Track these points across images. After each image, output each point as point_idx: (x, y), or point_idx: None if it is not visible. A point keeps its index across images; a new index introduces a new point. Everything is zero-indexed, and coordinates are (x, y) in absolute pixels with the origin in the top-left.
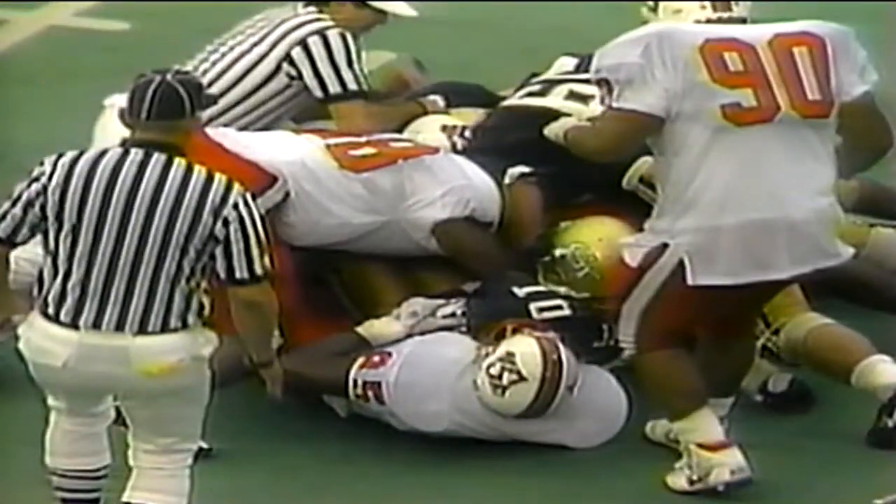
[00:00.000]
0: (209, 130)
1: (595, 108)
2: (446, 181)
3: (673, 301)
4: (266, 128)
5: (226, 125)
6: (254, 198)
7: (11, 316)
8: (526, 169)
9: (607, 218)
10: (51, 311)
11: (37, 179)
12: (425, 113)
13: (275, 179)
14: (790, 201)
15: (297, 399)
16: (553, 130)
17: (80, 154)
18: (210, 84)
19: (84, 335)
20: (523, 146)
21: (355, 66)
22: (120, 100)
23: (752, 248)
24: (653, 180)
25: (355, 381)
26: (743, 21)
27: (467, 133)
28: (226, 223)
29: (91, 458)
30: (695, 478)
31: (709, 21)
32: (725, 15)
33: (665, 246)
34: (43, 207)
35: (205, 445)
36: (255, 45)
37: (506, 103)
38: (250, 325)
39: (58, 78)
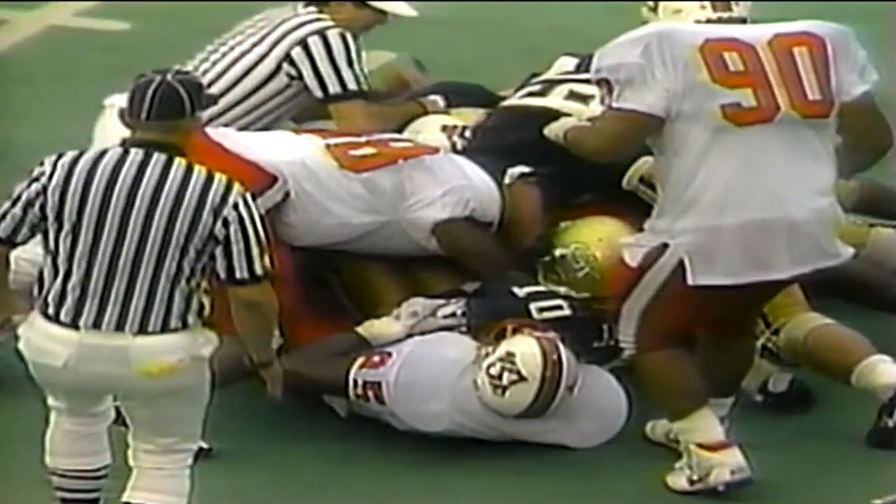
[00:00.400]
0: (209, 130)
1: (595, 108)
2: (446, 181)
3: (673, 301)
4: (266, 128)
5: (226, 125)
6: (254, 198)
7: (11, 316)
8: (526, 169)
9: (607, 218)
10: (51, 311)
11: (37, 179)
12: (425, 113)
13: (275, 179)
14: (790, 201)
15: (297, 399)
16: (553, 130)
17: (80, 154)
18: (210, 84)
19: (84, 335)
20: (523, 146)
21: (355, 66)
22: (120, 100)
23: (752, 248)
24: (653, 180)
25: (355, 381)
26: (743, 21)
27: (467, 133)
28: (226, 223)
29: (91, 458)
30: (695, 478)
31: (709, 21)
32: (725, 15)
33: (665, 246)
34: (43, 207)
35: (205, 445)
36: (255, 45)
37: (506, 103)
38: (250, 325)
39: (58, 78)
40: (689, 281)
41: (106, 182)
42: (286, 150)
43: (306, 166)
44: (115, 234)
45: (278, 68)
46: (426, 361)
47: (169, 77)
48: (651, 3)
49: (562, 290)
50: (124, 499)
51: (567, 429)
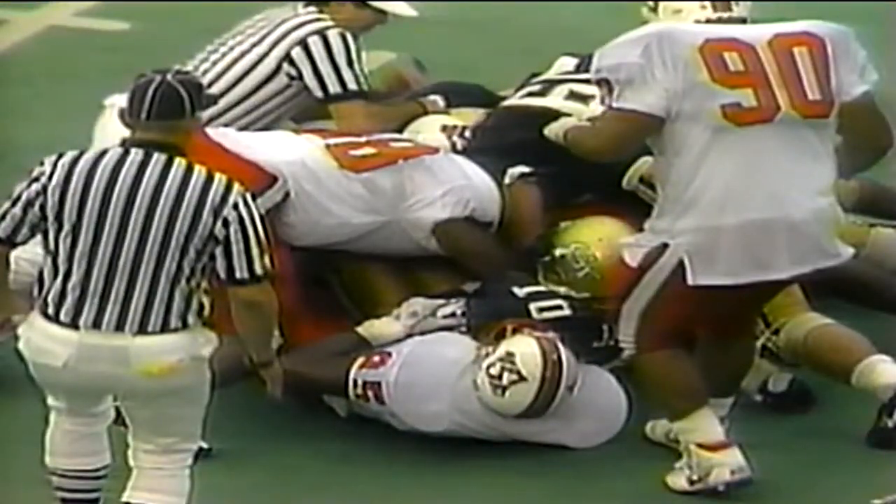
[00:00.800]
0: (209, 130)
1: (595, 108)
2: (446, 181)
3: (673, 301)
4: (266, 128)
5: (226, 125)
6: (254, 198)
7: (11, 316)
8: (526, 169)
9: (607, 218)
10: (51, 311)
11: (37, 179)
12: (425, 113)
13: (275, 179)
14: (790, 201)
15: (297, 399)
16: (553, 130)
17: (80, 154)
18: (210, 84)
19: (84, 335)
20: (523, 146)
21: (355, 66)
22: (120, 100)
23: (752, 248)
24: (653, 180)
25: (355, 381)
26: (743, 21)
27: (467, 133)
28: (226, 223)
29: (91, 458)
30: (695, 478)
31: (709, 21)
32: (725, 15)
33: (665, 246)
34: (43, 207)
35: (205, 445)
36: (255, 45)
37: (506, 103)
38: (250, 325)
39: (58, 78)
40: (689, 281)
41: (106, 182)
42: (286, 150)
43: (306, 166)
44: (115, 234)
45: (278, 68)
46: (426, 361)
47: (169, 77)
48: (651, 3)
49: (562, 290)
50: (124, 499)
51: (567, 429)
